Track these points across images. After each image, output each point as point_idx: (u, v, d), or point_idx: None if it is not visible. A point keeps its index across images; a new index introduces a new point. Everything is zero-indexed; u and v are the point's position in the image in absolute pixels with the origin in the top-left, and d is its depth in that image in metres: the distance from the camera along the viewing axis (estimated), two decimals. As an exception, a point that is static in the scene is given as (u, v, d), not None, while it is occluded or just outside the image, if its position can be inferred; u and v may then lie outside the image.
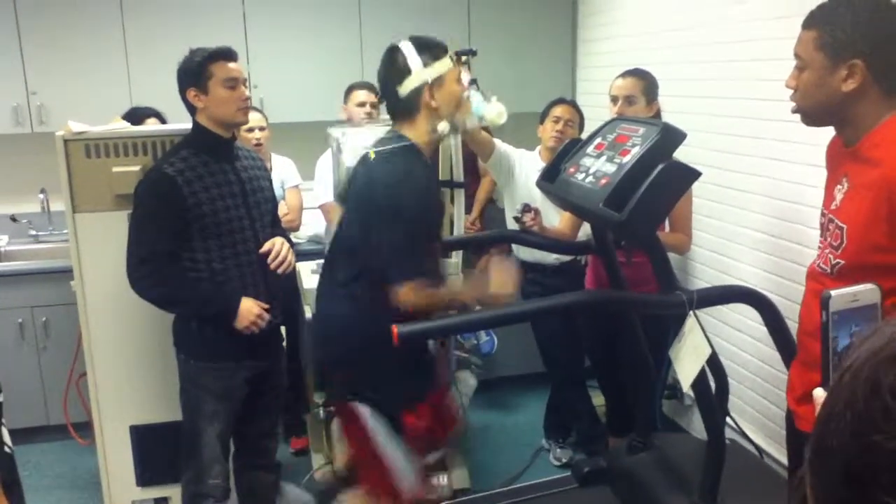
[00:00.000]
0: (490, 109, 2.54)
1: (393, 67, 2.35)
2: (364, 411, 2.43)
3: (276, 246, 2.70)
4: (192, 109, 2.63)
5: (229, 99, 2.57)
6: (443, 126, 2.36)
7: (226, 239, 2.61)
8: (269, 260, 2.68)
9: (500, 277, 2.40)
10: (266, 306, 2.66)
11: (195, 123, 2.64)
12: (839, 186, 1.85)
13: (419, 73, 2.32)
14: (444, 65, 2.36)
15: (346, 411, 2.52)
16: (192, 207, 2.54)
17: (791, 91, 1.90)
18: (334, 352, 2.49)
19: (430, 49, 2.35)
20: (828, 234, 1.87)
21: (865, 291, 1.35)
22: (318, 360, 2.61)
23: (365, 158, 2.43)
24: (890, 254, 1.69)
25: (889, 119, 1.75)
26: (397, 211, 2.23)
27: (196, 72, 2.55)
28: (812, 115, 1.88)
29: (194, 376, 2.72)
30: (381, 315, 2.22)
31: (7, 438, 1.88)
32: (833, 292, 1.36)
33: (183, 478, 2.80)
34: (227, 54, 2.60)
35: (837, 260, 1.81)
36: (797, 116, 1.93)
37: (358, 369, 2.42)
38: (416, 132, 2.37)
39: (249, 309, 2.62)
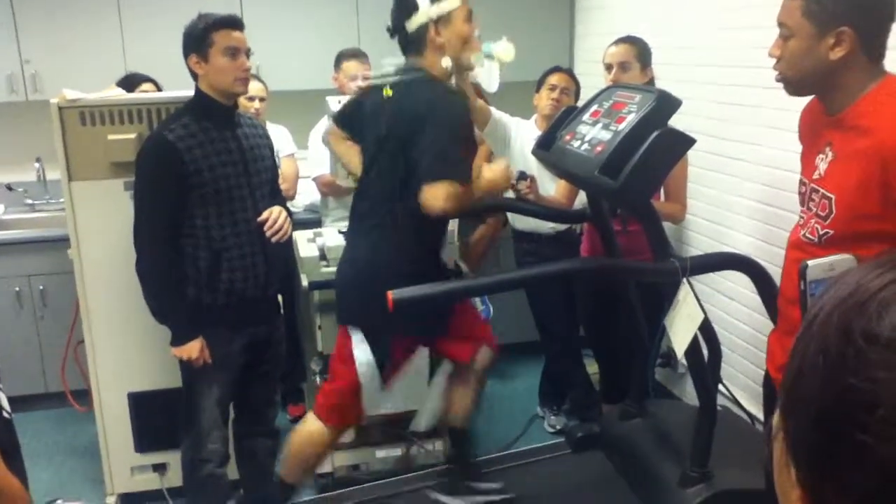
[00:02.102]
0: (498, 47, 2.56)
1: (402, 3, 2.43)
2: (356, 336, 2.54)
3: (273, 214, 2.71)
4: (194, 75, 2.63)
5: (228, 68, 2.56)
6: (446, 62, 2.40)
7: (225, 206, 2.62)
8: (266, 228, 2.69)
9: (491, 168, 2.55)
10: (209, 360, 2.69)
11: (197, 89, 2.64)
12: (822, 155, 1.85)
13: (426, 9, 2.38)
14: (451, 2, 2.41)
15: (342, 335, 2.62)
16: (192, 174, 2.54)
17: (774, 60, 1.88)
18: (347, 282, 2.58)
19: None
20: (812, 204, 1.87)
21: (842, 261, 1.37)
22: (337, 293, 2.69)
23: (378, 94, 2.50)
24: (882, 221, 1.70)
25: (875, 87, 1.75)
26: (435, 122, 2.31)
27: (199, 38, 2.55)
28: (797, 83, 1.86)
29: None
30: (396, 250, 2.39)
31: (6, 404, 1.88)
32: (810, 262, 1.39)
33: (182, 444, 2.83)
34: (232, 22, 2.59)
35: (826, 230, 1.81)
36: None
37: (362, 298, 2.49)
38: (430, 66, 2.44)
39: (193, 347, 2.65)
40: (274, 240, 2.72)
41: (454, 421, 2.92)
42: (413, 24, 2.40)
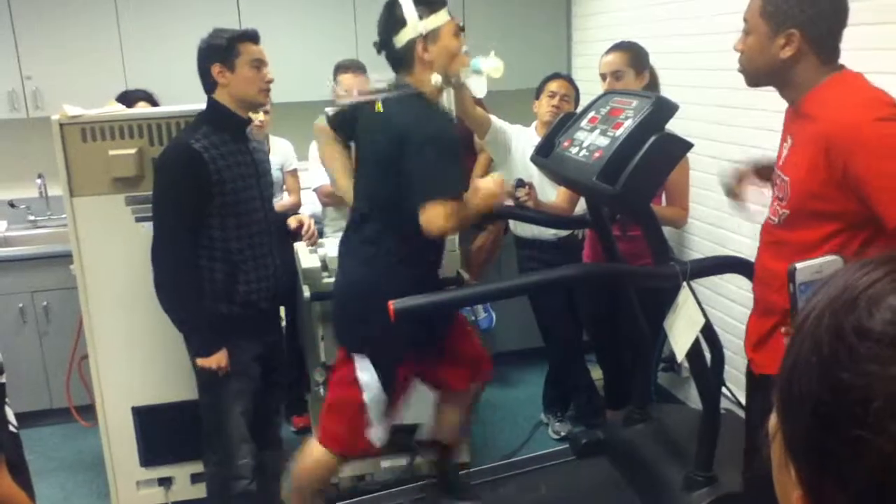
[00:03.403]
0: (487, 63, 2.55)
1: (390, 18, 2.40)
2: (361, 362, 2.48)
3: (305, 221, 2.88)
4: (211, 86, 2.62)
5: (254, 79, 2.59)
6: (435, 78, 2.39)
7: (243, 218, 2.63)
8: (304, 233, 2.89)
9: (485, 181, 2.51)
10: (225, 367, 2.68)
11: (213, 101, 2.64)
12: (786, 144, 1.97)
13: (414, 24, 2.36)
14: (439, 18, 2.39)
15: (343, 361, 2.57)
16: (215, 184, 2.54)
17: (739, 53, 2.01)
18: (345, 305, 2.55)
19: (428, 2, 2.39)
20: (776, 189, 1.98)
21: (829, 263, 1.40)
22: (334, 315, 2.66)
23: (371, 109, 2.47)
24: (826, 202, 1.80)
25: (826, 80, 1.86)
26: (419, 141, 2.28)
27: (225, 48, 2.56)
28: (753, 76, 1.99)
29: None
30: (395, 269, 2.34)
31: (12, 418, 1.89)
32: (798, 265, 1.43)
33: (210, 464, 2.81)
34: (254, 36, 2.63)
35: (784, 210, 1.92)
36: None
37: (363, 321, 2.46)
38: (419, 82, 2.42)
39: (222, 356, 2.65)
40: (308, 244, 2.87)
41: (441, 436, 2.90)
42: (401, 39, 2.37)
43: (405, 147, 2.31)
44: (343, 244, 2.63)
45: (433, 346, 2.59)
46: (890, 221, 1.68)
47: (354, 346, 2.53)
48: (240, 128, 2.68)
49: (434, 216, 2.24)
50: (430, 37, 2.37)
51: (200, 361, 2.65)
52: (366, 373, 2.49)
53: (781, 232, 1.93)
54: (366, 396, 2.50)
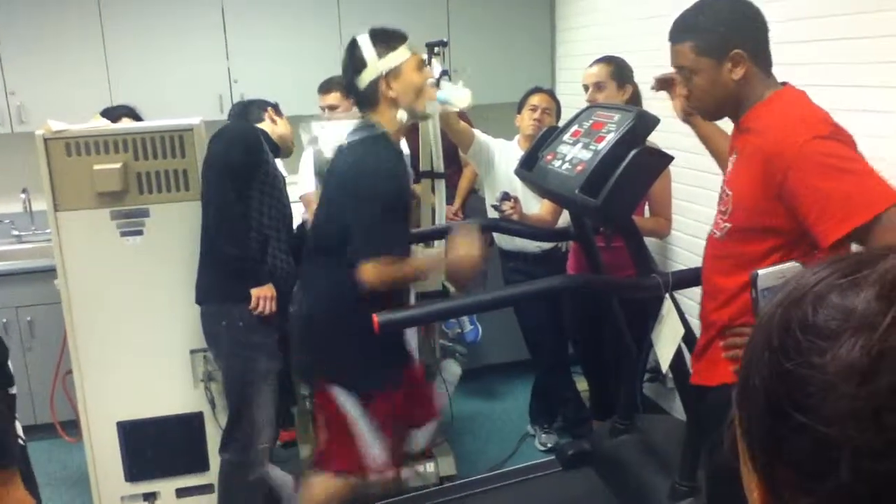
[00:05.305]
0: (455, 94, 2.56)
1: (351, 60, 2.41)
2: (338, 393, 2.48)
3: None
4: (254, 117, 3.06)
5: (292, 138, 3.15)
6: (401, 114, 2.40)
7: (275, 201, 2.88)
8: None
9: (462, 242, 2.43)
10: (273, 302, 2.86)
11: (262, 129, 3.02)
12: (731, 158, 1.99)
13: (374, 65, 2.36)
14: (399, 55, 2.39)
15: (322, 394, 2.56)
16: (263, 162, 2.84)
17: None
18: (310, 336, 2.54)
19: (386, 40, 2.39)
20: (720, 203, 2.00)
21: (790, 268, 1.43)
22: (297, 345, 2.64)
23: (340, 149, 2.50)
24: (765, 216, 1.81)
25: (770, 95, 1.89)
26: (362, 194, 2.29)
27: (276, 105, 3.14)
28: (713, 111, 2.01)
29: (245, 337, 2.81)
30: (353, 300, 2.30)
31: (20, 431, 1.89)
32: (760, 271, 1.46)
33: (227, 450, 2.89)
34: None
35: (726, 224, 1.93)
36: None
37: (331, 352, 2.47)
38: (384, 120, 2.42)
39: (271, 288, 2.83)
40: None
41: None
42: (363, 80, 2.38)
43: (348, 197, 2.33)
44: (303, 273, 2.65)
45: (402, 368, 2.58)
46: (823, 239, 1.66)
47: (325, 378, 2.52)
48: (277, 152, 3.06)
49: (366, 273, 2.24)
50: (391, 74, 2.37)
51: (256, 291, 2.79)
52: (344, 397, 2.48)
53: (723, 245, 1.95)
54: (350, 416, 2.48)
